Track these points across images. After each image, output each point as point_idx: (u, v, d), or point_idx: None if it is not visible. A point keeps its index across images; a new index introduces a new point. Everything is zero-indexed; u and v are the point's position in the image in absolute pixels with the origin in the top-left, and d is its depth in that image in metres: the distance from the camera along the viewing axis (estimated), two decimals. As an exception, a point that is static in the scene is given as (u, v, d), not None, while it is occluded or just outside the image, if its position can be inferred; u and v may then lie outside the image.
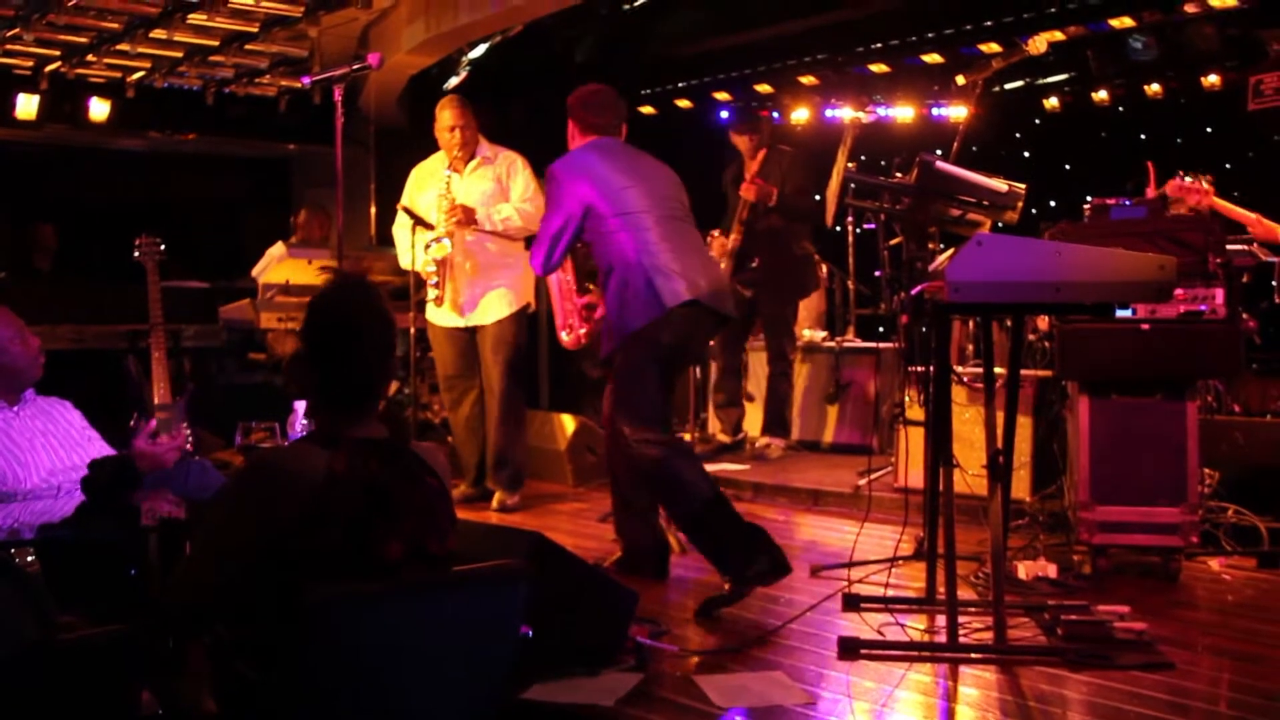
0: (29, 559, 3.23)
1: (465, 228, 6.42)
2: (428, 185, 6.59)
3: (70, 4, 7.97)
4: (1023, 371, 5.14)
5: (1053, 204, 9.82)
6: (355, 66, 5.32)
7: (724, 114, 10.60)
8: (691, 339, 5.10)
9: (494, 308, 6.56)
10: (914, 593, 4.89)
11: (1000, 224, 4.79)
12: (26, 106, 9.54)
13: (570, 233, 4.99)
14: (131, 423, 5.65)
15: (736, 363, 8.18)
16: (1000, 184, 4.54)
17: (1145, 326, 5.07)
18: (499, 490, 6.70)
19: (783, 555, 4.73)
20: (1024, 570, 5.06)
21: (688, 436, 7.37)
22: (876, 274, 8.09)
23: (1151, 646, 4.14)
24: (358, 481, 2.58)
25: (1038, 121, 10.38)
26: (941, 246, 4.94)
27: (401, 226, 6.62)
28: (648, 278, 4.81)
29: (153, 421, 3.79)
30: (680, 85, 10.62)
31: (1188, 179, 6.12)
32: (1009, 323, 5.97)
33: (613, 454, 5.14)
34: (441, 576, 2.65)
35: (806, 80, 10.05)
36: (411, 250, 6.40)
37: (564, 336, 5.59)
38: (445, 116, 6.49)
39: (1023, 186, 4.67)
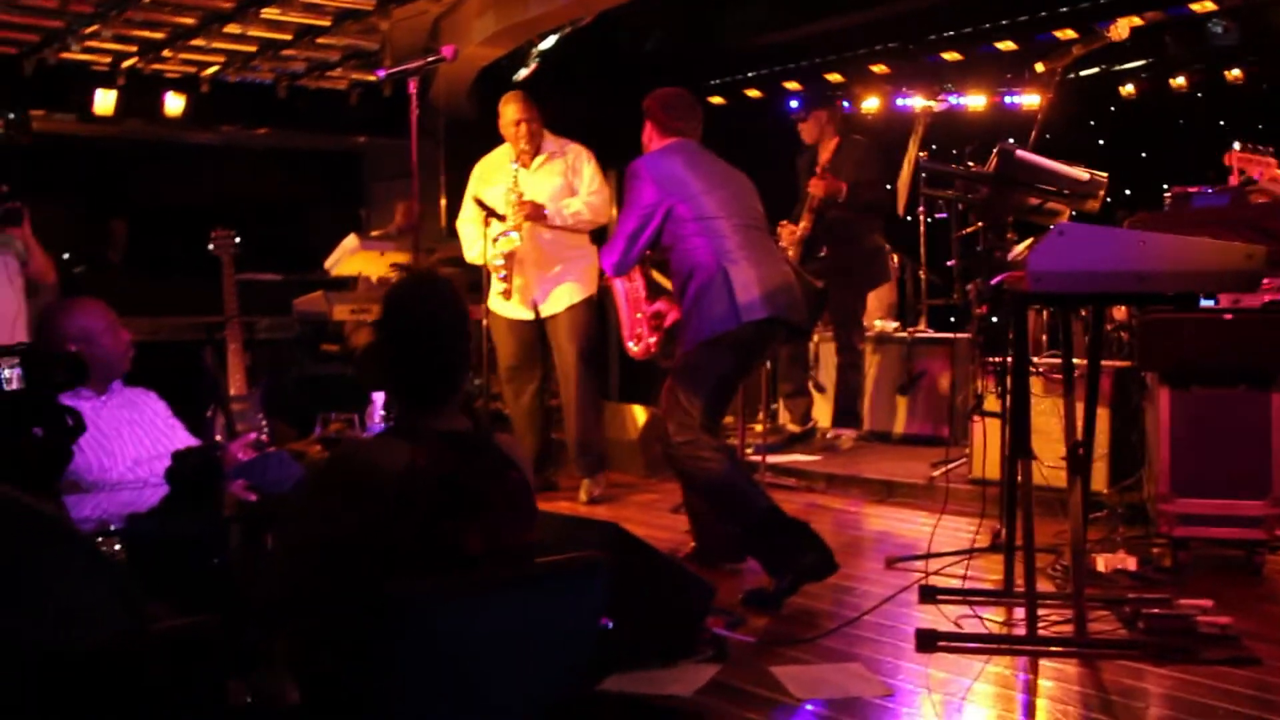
0: (115, 548, 3.27)
1: (535, 222, 6.44)
2: (493, 179, 6.61)
3: (147, 0, 8.07)
4: (1101, 362, 5.08)
5: (1128, 193, 9.66)
6: (430, 59, 5.35)
7: (794, 103, 10.54)
8: (761, 353, 5.15)
9: (564, 297, 6.61)
10: (991, 585, 4.86)
11: (1074, 213, 4.74)
12: (104, 102, 9.68)
13: (648, 234, 4.95)
14: (209, 413, 5.73)
15: (804, 352, 8.15)
16: (1081, 173, 4.48)
17: (1229, 316, 4.99)
18: (585, 479, 6.75)
19: (830, 552, 4.72)
20: (1103, 563, 5.00)
21: (758, 428, 7.36)
22: (948, 263, 8.02)
23: (1237, 641, 4.08)
24: (440, 475, 2.58)
25: (1113, 109, 10.22)
26: (1017, 236, 4.89)
27: (467, 220, 6.65)
28: (728, 287, 4.78)
29: (252, 434, 3.83)
30: (750, 75, 10.58)
31: (1250, 150, 5.95)
32: (1083, 313, 5.91)
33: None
34: (523, 570, 2.65)
35: (877, 69, 9.98)
36: (482, 242, 6.42)
37: (632, 346, 5.51)
38: (510, 111, 6.51)
39: (1104, 175, 4.61)
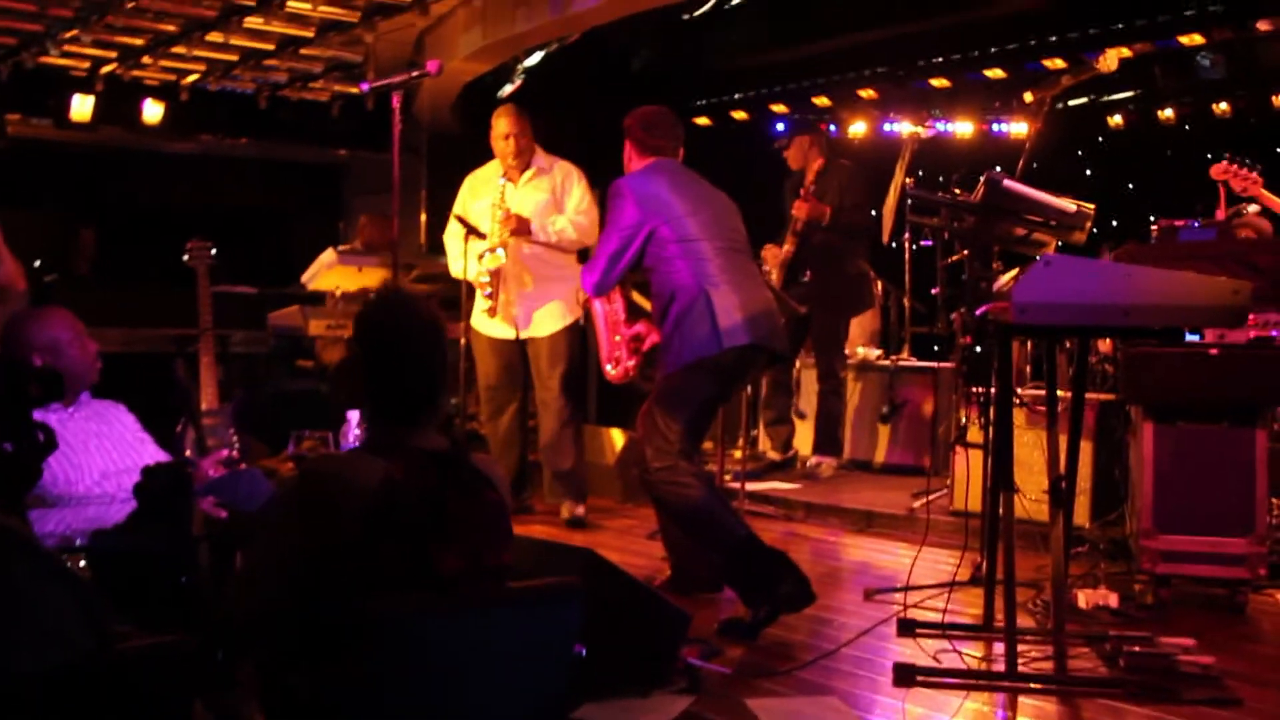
0: (80, 565, 3.25)
1: (519, 238, 6.43)
2: (482, 194, 6.61)
3: (128, 6, 8.05)
4: (1085, 395, 5.09)
5: (1115, 224, 9.72)
6: (414, 74, 5.33)
7: (780, 126, 10.57)
8: (742, 379, 5.15)
9: (548, 320, 6.57)
10: (971, 620, 4.85)
11: (1060, 244, 4.75)
12: (81, 108, 9.65)
13: (630, 255, 4.94)
14: (179, 428, 5.69)
15: (787, 379, 8.16)
16: (1069, 204, 4.50)
17: (1214, 351, 5.00)
18: (567, 502, 6.73)
19: (808, 582, 4.70)
20: (1084, 599, 5.00)
21: (738, 454, 7.35)
22: (933, 291, 8.04)
23: (1219, 681, 4.07)
24: (416, 493, 2.58)
25: (1101, 139, 10.30)
26: (1002, 266, 4.90)
27: (453, 235, 6.63)
28: (709, 311, 4.77)
29: (224, 451, 3.81)
30: (736, 97, 10.62)
31: (1237, 164, 5.97)
32: (1068, 345, 5.93)
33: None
34: (500, 593, 2.65)
35: (865, 93, 10.02)
36: (463, 259, 6.41)
37: (610, 370, 5.47)
38: (501, 124, 6.50)
39: (1091, 206, 4.62)
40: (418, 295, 2.90)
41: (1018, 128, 9.64)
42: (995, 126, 9.91)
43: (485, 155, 6.69)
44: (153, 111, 9.96)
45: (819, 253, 7.65)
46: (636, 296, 5.74)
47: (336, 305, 7.63)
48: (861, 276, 7.98)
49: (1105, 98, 9.68)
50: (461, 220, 6.48)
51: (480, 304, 6.51)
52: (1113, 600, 5.00)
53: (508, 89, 9.71)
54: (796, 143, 7.89)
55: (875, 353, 8.62)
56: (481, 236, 6.42)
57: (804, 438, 8.21)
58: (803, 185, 7.65)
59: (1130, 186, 10.48)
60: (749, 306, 4.82)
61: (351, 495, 2.55)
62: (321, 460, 3.33)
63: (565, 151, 6.79)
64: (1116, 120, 9.95)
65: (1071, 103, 9.60)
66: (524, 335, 6.60)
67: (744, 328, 4.77)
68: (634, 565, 5.47)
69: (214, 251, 6.47)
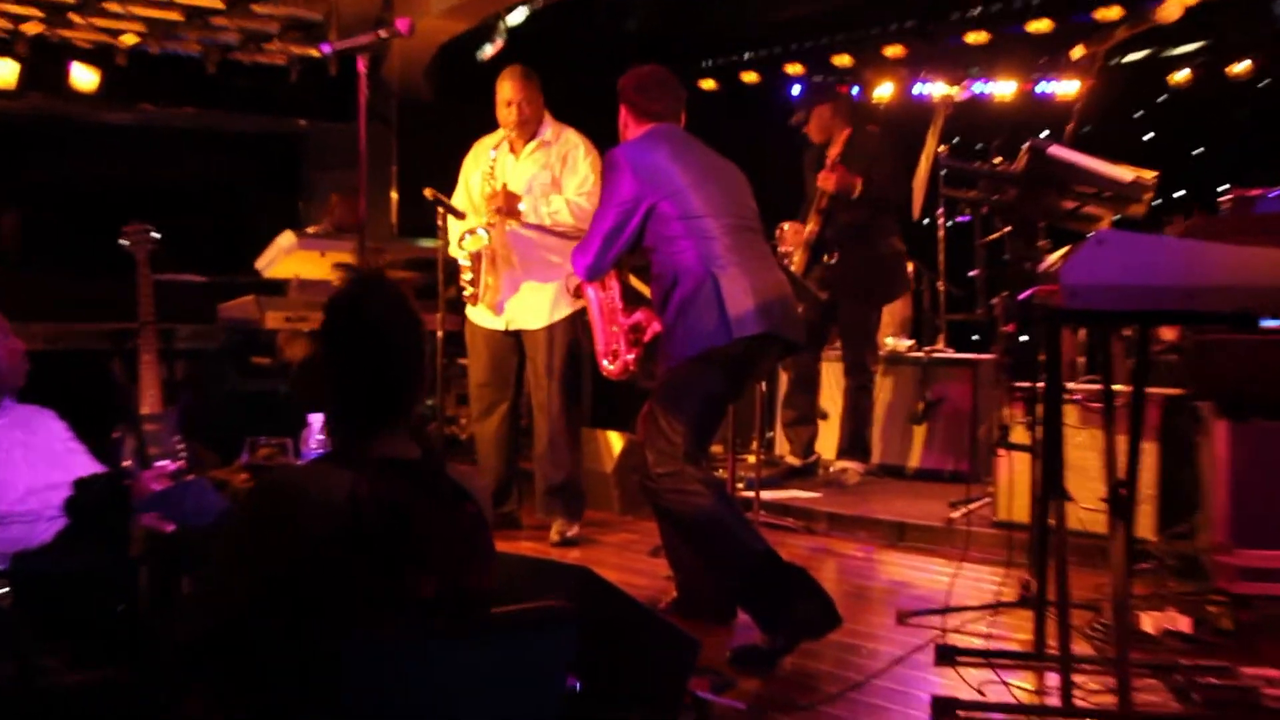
0: (3, 592, 3.23)
1: (507, 218, 6.40)
2: (484, 162, 6.59)
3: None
4: (1147, 389, 5.06)
5: (1180, 195, 9.69)
6: (383, 33, 5.32)
7: (796, 89, 10.56)
8: (754, 372, 5.12)
9: (544, 311, 6.53)
10: (1019, 646, 4.82)
11: (1116, 218, 4.73)
12: (4, 74, 9.62)
13: (628, 233, 4.92)
14: (117, 435, 5.68)
15: (810, 374, 8.12)
16: (1125, 172, 4.46)
17: (1295, 339, 4.98)
18: (557, 519, 6.68)
19: (832, 603, 4.68)
20: (1150, 623, 4.97)
21: (751, 459, 7.33)
22: (971, 274, 8.03)
23: (1307, 716, 4.05)
24: (385, 507, 2.57)
25: (1163, 98, 10.26)
26: (1050, 243, 4.88)
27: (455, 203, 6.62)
28: (717, 297, 4.75)
29: (168, 462, 3.80)
30: (747, 57, 10.62)
31: None
32: (1126, 333, 5.90)
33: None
34: (480, 619, 2.64)
35: (892, 51, 10.02)
36: (443, 242, 6.40)
37: (607, 365, 5.45)
38: (504, 89, 6.47)
39: (1152, 175, 4.60)
40: (391, 281, 2.87)
41: (1066, 87, 9.63)
42: (1040, 87, 9.90)
43: (462, 125, 6.67)
44: (84, 78, 9.93)
45: (847, 231, 7.63)
46: (634, 281, 5.72)
47: (296, 295, 7.61)
48: (895, 258, 7.95)
49: (1167, 51, 9.66)
50: (438, 198, 6.45)
51: (465, 291, 6.50)
52: (1184, 624, 4.96)
53: (488, 50, 9.70)
54: (816, 114, 7.85)
55: (906, 343, 8.61)
56: (459, 215, 6.40)
57: (827, 440, 8.20)
58: (825, 157, 7.63)
59: (1197, 152, 10.44)
60: (761, 291, 4.80)
61: (315, 511, 2.54)
62: (281, 472, 3.31)
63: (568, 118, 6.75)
64: (1181, 76, 9.91)
65: (1129, 58, 9.58)
66: (514, 327, 6.57)
67: (756, 315, 4.75)
68: (635, 586, 5.48)
69: (155, 235, 6.44)
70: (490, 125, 6.60)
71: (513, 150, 6.53)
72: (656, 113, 5.12)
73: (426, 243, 7.46)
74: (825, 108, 7.85)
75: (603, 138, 5.19)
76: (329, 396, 2.77)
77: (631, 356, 5.39)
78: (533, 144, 6.52)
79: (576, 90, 9.23)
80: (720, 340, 4.75)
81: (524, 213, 6.38)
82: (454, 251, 6.47)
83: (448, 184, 6.69)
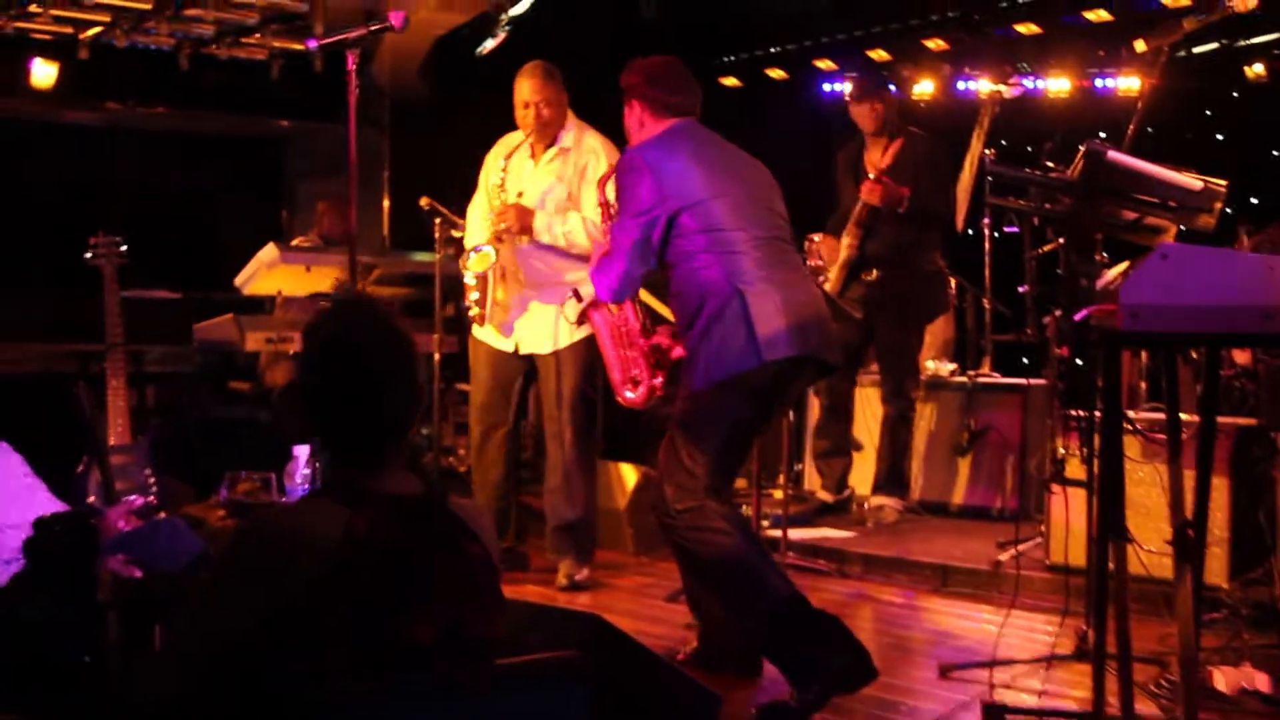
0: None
1: (517, 236, 6.41)
2: (497, 170, 6.55)
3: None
4: (1217, 419, 5.05)
5: (1254, 203, 9.67)
6: (374, 27, 5.33)
7: (827, 87, 10.58)
8: (784, 399, 5.13)
9: (555, 333, 6.52)
10: (1075, 704, 4.82)
11: (1182, 230, 4.73)
12: (-46, 70, 9.66)
13: (654, 247, 4.89)
14: (81, 469, 5.69)
15: (844, 401, 8.12)
16: (1192, 180, 4.47)
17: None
18: (566, 560, 6.68)
19: (867, 654, 4.67)
20: (1223, 680, 4.95)
21: (778, 494, 7.33)
22: (1020, 290, 8.03)
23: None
24: (383, 548, 2.57)
25: (1236, 95, 10.22)
26: (1109, 257, 4.88)
27: (473, 207, 6.62)
28: (745, 317, 4.75)
29: (137, 499, 3.81)
30: (772, 51, 10.63)
31: None
32: (1194, 356, 5.90)
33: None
34: (483, 671, 2.64)
35: (933, 44, 10.03)
36: (439, 254, 6.40)
37: (629, 394, 5.39)
38: (522, 88, 6.44)
39: (1223, 183, 4.60)
40: (376, 302, 2.88)
41: (1128, 84, 9.62)
42: (1098, 83, 9.88)
43: (460, 127, 6.67)
44: (44, 73, 9.94)
45: (888, 247, 7.62)
46: (645, 296, 5.71)
47: (279, 314, 7.63)
48: (937, 276, 7.97)
49: (1242, 42, 9.62)
50: (435, 207, 6.45)
51: (471, 310, 6.50)
52: (1261, 682, 4.94)
53: (489, 45, 9.72)
54: (875, 104, 7.80)
55: (949, 367, 8.59)
56: (458, 226, 6.40)
57: (862, 474, 8.19)
58: (862, 160, 7.63)
59: (1275, 155, 10.42)
60: (793, 308, 4.80)
61: (304, 553, 2.54)
62: (268, 510, 3.32)
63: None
64: (1257, 71, 9.86)
65: (1198, 49, 9.56)
66: (524, 350, 6.57)
67: (788, 335, 4.75)
68: (651, 635, 5.49)
69: (124, 248, 6.47)
70: (493, 127, 6.61)
71: (532, 155, 6.51)
72: (677, 106, 5.11)
73: (422, 256, 7.48)
74: (879, 104, 7.82)
75: (611, 139, 5.18)
76: (317, 429, 2.78)
77: (659, 381, 5.34)
78: (551, 151, 6.49)
79: (585, 87, 9.29)
80: (749, 364, 4.75)
81: (537, 230, 6.36)
82: (463, 265, 6.45)
83: (444, 191, 6.70)
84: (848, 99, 7.98)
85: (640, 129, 5.15)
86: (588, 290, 5.48)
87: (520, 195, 6.40)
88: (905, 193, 7.45)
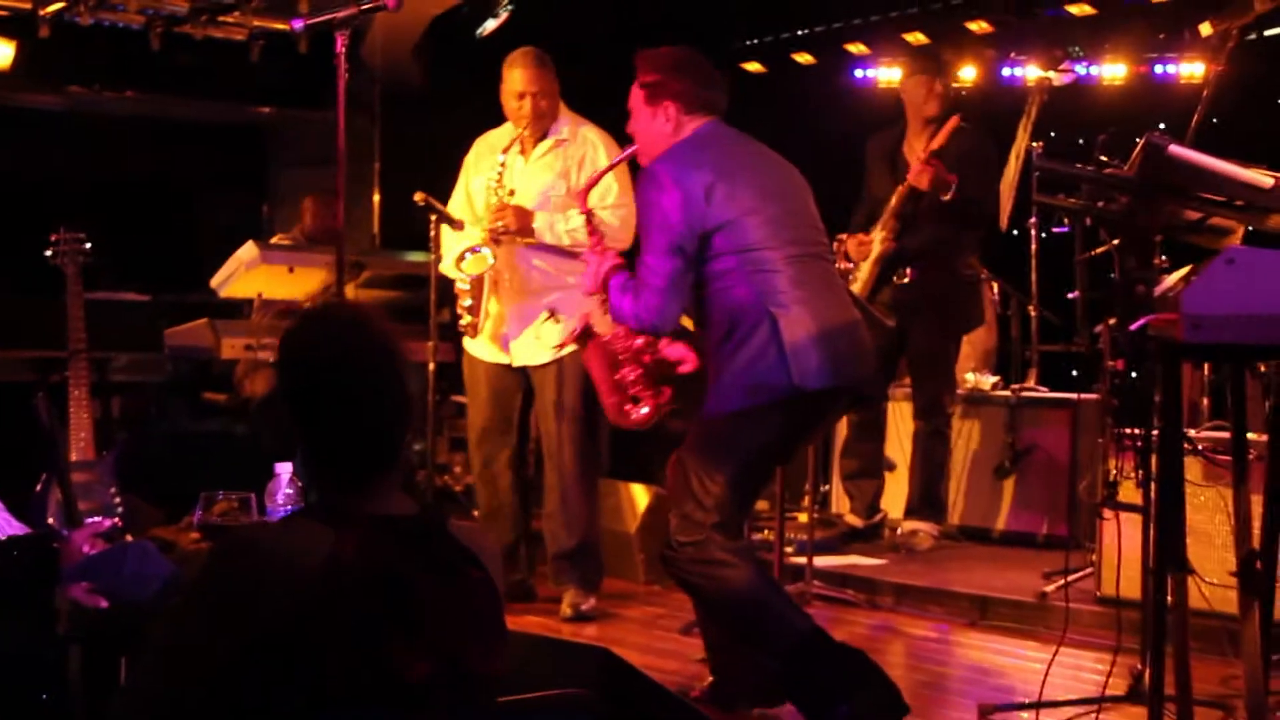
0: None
1: (516, 237, 6.41)
2: (487, 166, 6.58)
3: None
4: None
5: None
6: (364, 6, 5.35)
7: (859, 73, 10.58)
8: (815, 430, 5.17)
9: (554, 344, 6.48)
10: (1129, 750, 4.81)
11: (1249, 231, 4.73)
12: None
13: (693, 270, 4.81)
14: (40, 487, 5.69)
15: (875, 417, 8.10)
16: (1263, 176, 4.46)
17: None
18: (570, 589, 6.69)
19: (897, 692, 4.67)
20: (1294, 725, 4.95)
21: (803, 517, 7.32)
22: (1070, 296, 8.01)
23: None
24: (371, 574, 2.57)
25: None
26: (1169, 261, 4.87)
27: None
28: (777, 343, 4.72)
29: (104, 522, 3.81)
30: (800, 34, 10.63)
31: None
32: (1262, 369, 5.88)
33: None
34: (482, 708, 2.65)
35: (976, 27, 10.02)
36: (435, 256, 6.39)
37: (634, 415, 5.29)
38: (513, 78, 6.45)
39: (1294, 180, 4.59)
40: (360, 309, 2.87)
41: (1190, 70, 9.62)
42: (1158, 69, 9.87)
43: (457, 115, 6.66)
44: (0, 54, 9.96)
45: (925, 246, 7.60)
46: None
47: (259, 318, 7.63)
48: (975, 282, 7.96)
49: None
50: (430, 204, 6.45)
51: (463, 319, 6.51)
52: (1337, 727, 4.94)
53: (490, 25, 9.73)
54: (927, 82, 7.79)
55: (991, 380, 8.59)
56: (457, 225, 6.39)
57: (894, 496, 8.18)
58: (899, 149, 7.63)
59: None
60: (830, 336, 4.78)
61: (286, 578, 2.54)
62: (244, 532, 3.31)
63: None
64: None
65: (1269, 32, 9.54)
66: (520, 363, 6.57)
67: (822, 366, 4.75)
68: (663, 670, 5.49)
69: (89, 245, 6.48)
70: (493, 115, 6.61)
71: (523, 151, 6.51)
72: (710, 101, 5.04)
73: (416, 256, 7.49)
74: (939, 80, 7.81)
75: (620, 130, 5.15)
76: (301, 447, 2.77)
77: (665, 396, 5.26)
78: (546, 144, 6.52)
79: (593, 73, 9.30)
80: (777, 392, 4.75)
81: (538, 231, 6.38)
82: (450, 272, 6.45)
83: (441, 186, 6.70)
84: (902, 75, 7.99)
85: (675, 132, 5.01)
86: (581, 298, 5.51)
87: (512, 195, 6.39)
88: (954, 179, 7.41)
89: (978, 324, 8.33)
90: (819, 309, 4.82)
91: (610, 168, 5.83)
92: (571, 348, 6.40)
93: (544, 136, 6.52)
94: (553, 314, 6.28)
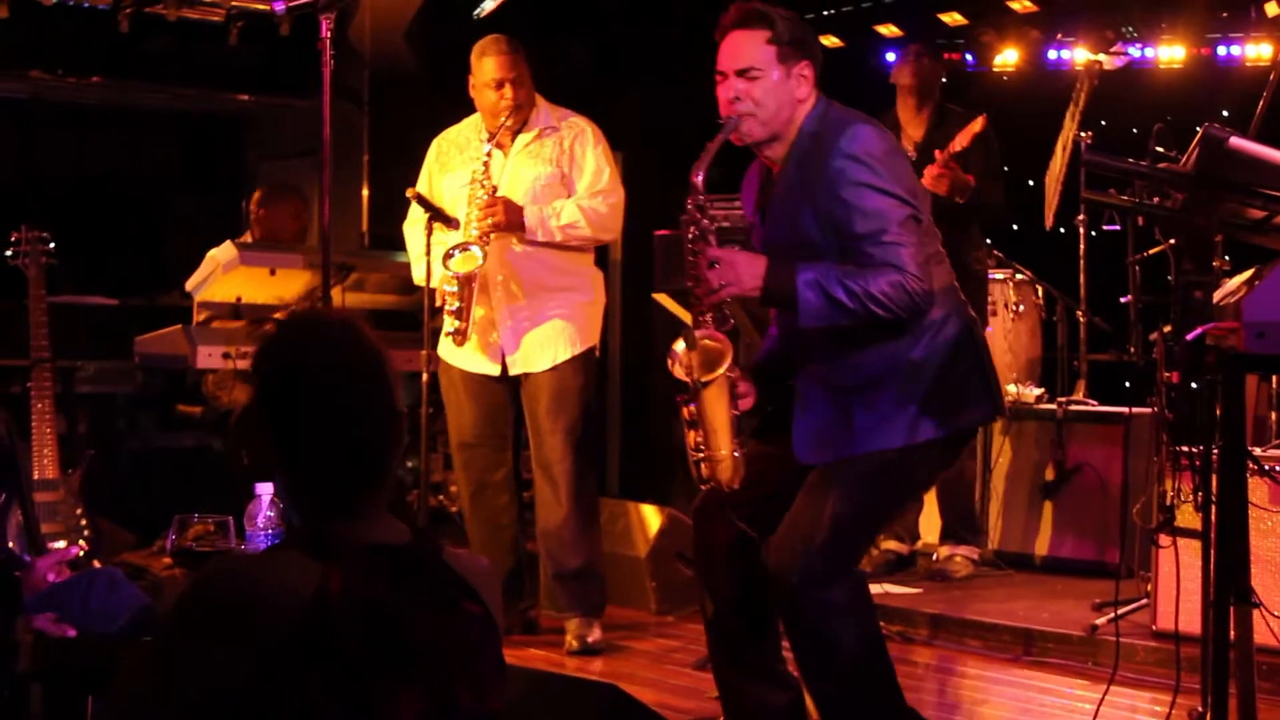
0: None
1: (507, 234, 6.42)
2: (455, 164, 6.62)
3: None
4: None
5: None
6: (352, -13, 5.35)
7: (891, 56, 10.58)
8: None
9: (548, 349, 6.55)
10: (1188, 798, 4.81)
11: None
12: None
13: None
14: None
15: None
16: (1333, 171, 4.47)
17: None
18: (572, 618, 6.70)
19: None
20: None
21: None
22: (1122, 301, 8.01)
23: None
24: (359, 607, 2.57)
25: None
26: (1229, 264, 4.88)
27: (414, 223, 6.62)
28: (979, 361, 4.65)
29: (70, 549, 3.82)
30: (826, 14, 10.63)
31: None
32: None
33: (711, 567, 4.97)
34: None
35: (1018, 5, 10.02)
36: (428, 259, 6.40)
37: (722, 474, 4.59)
38: (487, 66, 6.47)
39: (1370, 176, 4.59)
40: (338, 318, 2.87)
41: (1256, 52, 9.61)
42: (1220, 51, 9.86)
43: (450, 104, 6.67)
44: (-47, 36, 9.99)
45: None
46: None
47: (238, 324, 7.64)
48: (981, 282, 7.94)
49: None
50: (423, 200, 6.46)
51: (446, 325, 6.48)
52: None
53: (488, 6, 9.72)
54: (934, 68, 7.83)
55: (1034, 392, 8.59)
56: (453, 224, 6.40)
57: (927, 520, 8.18)
58: (907, 137, 7.65)
59: None
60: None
61: (268, 612, 2.54)
62: (226, 559, 3.31)
63: (568, 99, 6.76)
64: None
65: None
66: (515, 371, 6.58)
67: (999, 387, 4.74)
68: (676, 708, 5.52)
69: (52, 245, 6.49)
70: (489, 104, 6.62)
71: (500, 144, 6.52)
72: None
73: (407, 257, 7.48)
74: (939, 68, 7.83)
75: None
76: (280, 466, 2.77)
77: (740, 453, 4.58)
78: (528, 135, 6.55)
79: (598, 57, 9.31)
80: (978, 419, 4.79)
81: (530, 227, 6.39)
82: (427, 276, 6.43)
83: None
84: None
85: (807, 99, 4.73)
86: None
87: (496, 190, 6.39)
88: (971, 180, 7.42)
89: (984, 322, 8.35)
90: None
91: (718, 141, 4.63)
92: (569, 354, 6.44)
93: (523, 128, 6.53)
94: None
